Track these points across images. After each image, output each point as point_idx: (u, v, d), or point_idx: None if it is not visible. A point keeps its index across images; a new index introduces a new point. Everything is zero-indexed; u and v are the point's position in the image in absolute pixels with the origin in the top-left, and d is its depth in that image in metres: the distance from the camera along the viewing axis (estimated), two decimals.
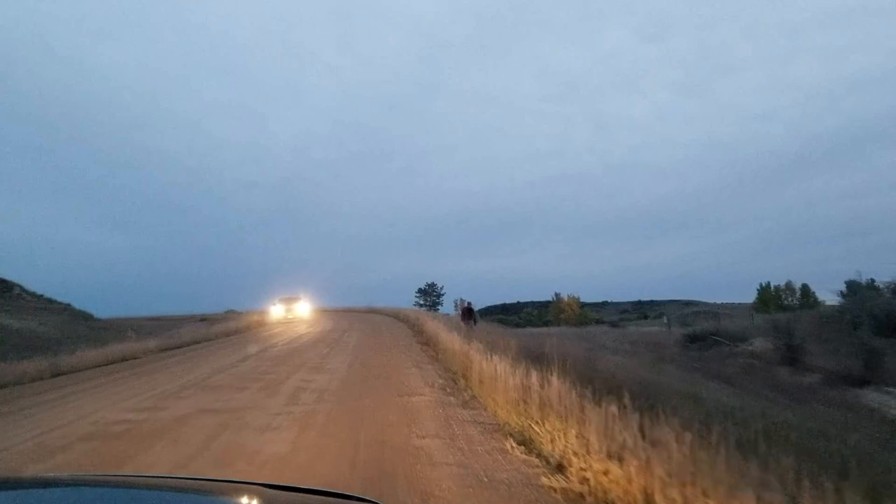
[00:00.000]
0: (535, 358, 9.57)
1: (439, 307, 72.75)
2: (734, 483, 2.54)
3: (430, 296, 71.69)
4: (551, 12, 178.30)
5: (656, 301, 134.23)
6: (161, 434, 4.93)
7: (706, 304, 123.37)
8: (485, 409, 5.78)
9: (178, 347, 14.85)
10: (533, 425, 4.55)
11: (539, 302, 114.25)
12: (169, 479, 1.96)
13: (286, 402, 6.19)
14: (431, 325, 13.55)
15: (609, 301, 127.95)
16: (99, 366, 11.01)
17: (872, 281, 60.06)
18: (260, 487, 1.36)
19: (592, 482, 3.23)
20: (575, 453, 3.63)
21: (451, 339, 9.61)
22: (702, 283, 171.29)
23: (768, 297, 72.23)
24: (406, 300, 72.48)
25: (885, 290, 22.08)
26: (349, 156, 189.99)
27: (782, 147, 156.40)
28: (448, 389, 6.89)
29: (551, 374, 5.12)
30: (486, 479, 3.49)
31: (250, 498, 1.28)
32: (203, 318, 33.11)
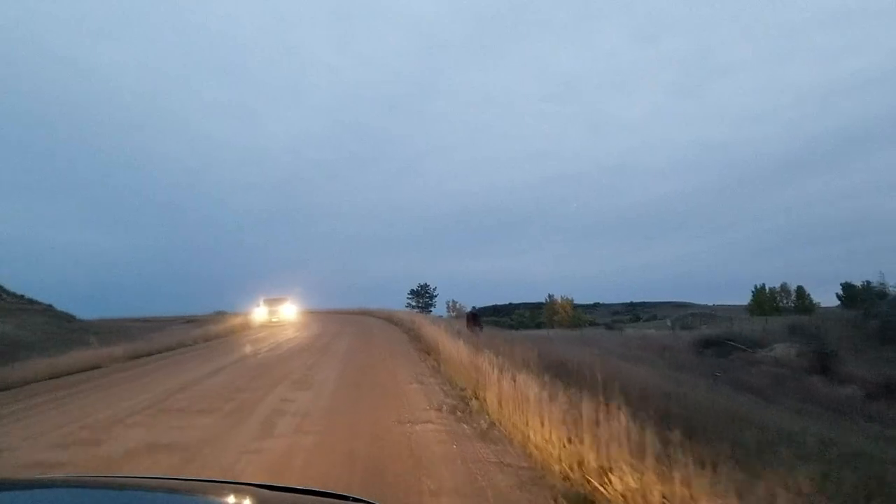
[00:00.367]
0: (558, 370, 8.35)
1: (432, 309, 71.49)
2: None
3: (422, 297, 70.40)
4: (550, 13, 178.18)
5: (648, 303, 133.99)
6: None
7: (699, 305, 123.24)
8: (511, 444, 4.54)
9: (148, 355, 13.43)
10: (591, 477, 3.32)
11: (531, 303, 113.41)
12: (165, 480, 1.90)
13: (258, 435, 4.90)
14: (430, 330, 12.30)
15: (601, 303, 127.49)
16: (52, 377, 9.60)
17: (868, 283, 59.53)
18: (256, 488, 1.36)
19: None
20: None
21: (457, 349, 8.36)
22: (694, 285, 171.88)
23: (763, 300, 71.85)
24: (398, 302, 71.11)
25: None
26: (345, 156, 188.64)
27: (778, 148, 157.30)
28: (459, 413, 5.64)
29: (600, 399, 3.93)
30: None
31: (246, 499, 1.29)
32: (190, 320, 31.63)
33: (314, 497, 1.31)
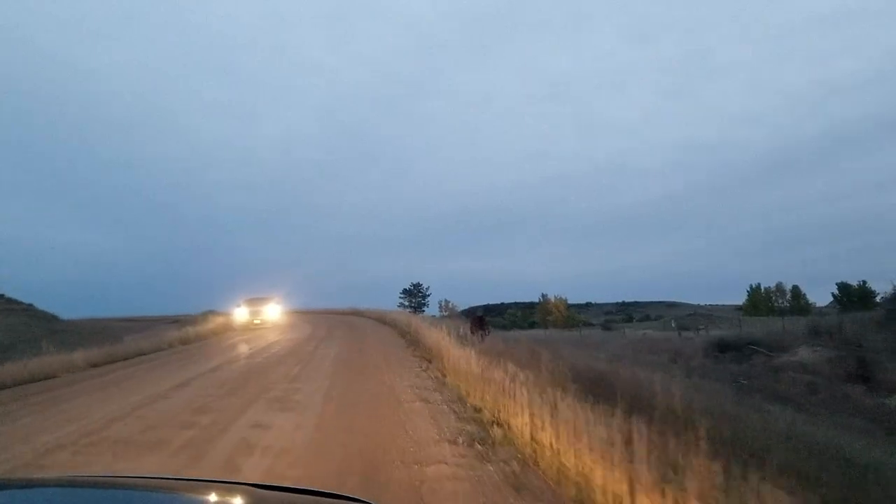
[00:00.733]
0: (593, 384, 7.12)
1: (425, 308, 70.16)
2: None
3: (415, 297, 69.03)
4: (544, 14, 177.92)
5: (640, 302, 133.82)
6: None
7: (691, 305, 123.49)
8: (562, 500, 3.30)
9: (114, 361, 12.03)
10: None
11: (523, 303, 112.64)
12: (163, 480, 1.82)
13: None
14: (430, 334, 11.02)
15: (592, 302, 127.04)
16: None
17: (864, 283, 59.04)
18: (252, 488, 1.34)
19: None
20: None
21: (466, 358, 7.11)
22: (684, 285, 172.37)
23: (758, 300, 71.42)
24: (390, 301, 69.68)
25: None
26: (338, 156, 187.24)
27: (769, 149, 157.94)
28: (480, 446, 4.39)
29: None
30: None
31: (243, 498, 1.28)
32: (176, 320, 30.16)
33: (312, 497, 1.30)
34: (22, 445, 4.81)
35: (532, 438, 4.22)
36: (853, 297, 61.04)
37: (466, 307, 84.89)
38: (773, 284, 72.41)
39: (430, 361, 9.41)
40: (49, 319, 30.00)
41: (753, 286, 71.57)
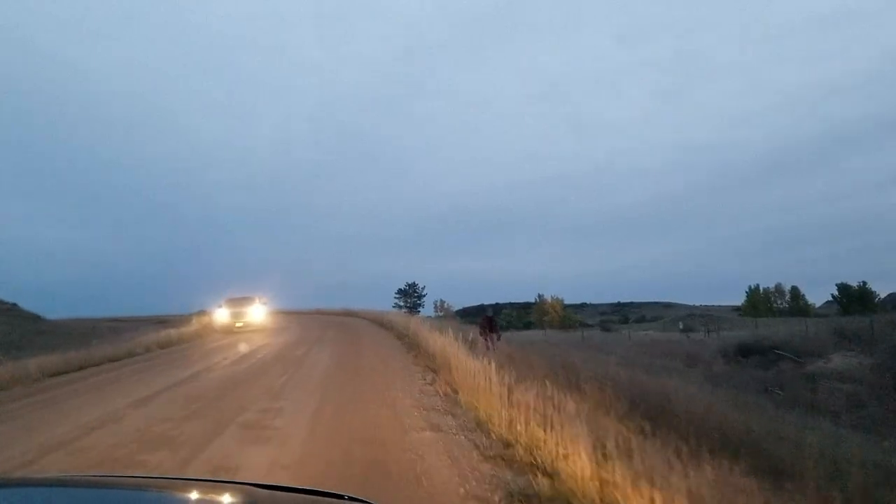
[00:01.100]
0: (642, 402, 5.92)
1: (420, 309, 68.88)
2: None
3: (410, 297, 67.74)
4: (542, 15, 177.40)
5: (636, 303, 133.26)
6: None
7: (686, 306, 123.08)
8: None
9: (79, 369, 10.70)
10: None
11: (518, 303, 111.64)
12: (163, 480, 1.91)
13: None
14: (434, 339, 9.78)
15: (587, 303, 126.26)
16: None
17: (864, 284, 58.40)
18: (253, 488, 1.34)
19: None
20: None
21: (484, 373, 5.88)
22: (680, 286, 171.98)
23: (757, 300, 70.74)
24: (385, 301, 68.40)
25: None
26: (333, 156, 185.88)
27: (762, 151, 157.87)
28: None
29: None
30: None
31: (244, 498, 1.28)
32: (163, 321, 28.76)
33: (312, 496, 1.30)
34: None
35: (602, 499, 2.99)
36: (853, 298, 60.56)
37: (461, 307, 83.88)
38: (770, 285, 71.83)
39: (435, 372, 8.16)
40: (33, 320, 28.56)
41: (752, 287, 70.95)
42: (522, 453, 4.05)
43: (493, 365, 6.01)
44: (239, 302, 20.08)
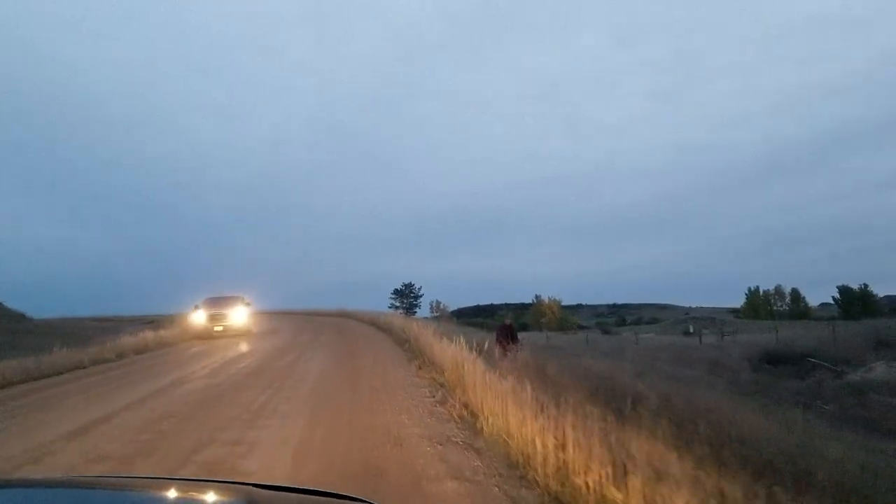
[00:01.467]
0: (721, 444, 4.70)
1: (417, 309, 67.59)
2: None
3: (406, 297, 66.43)
4: (542, 17, 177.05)
5: (632, 305, 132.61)
6: None
7: (682, 307, 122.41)
8: None
9: (36, 379, 9.38)
10: None
11: (514, 304, 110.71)
12: (161, 481, 1.83)
13: None
14: (443, 350, 8.53)
15: (583, 304, 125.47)
16: None
17: (866, 286, 57.63)
18: (252, 488, 1.35)
19: None
20: None
21: (515, 396, 4.65)
22: (676, 287, 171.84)
23: (757, 302, 69.92)
24: (380, 301, 67.12)
25: None
26: (329, 156, 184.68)
27: (760, 151, 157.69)
28: None
29: None
30: None
31: (243, 498, 1.29)
32: (152, 321, 27.38)
33: (314, 497, 1.30)
34: None
35: None
36: (854, 300, 59.85)
37: (456, 308, 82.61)
38: (766, 286, 70.98)
39: (445, 389, 6.92)
40: (16, 319, 27.24)
41: (752, 289, 70.08)
42: None
43: (527, 388, 4.79)
44: (219, 303, 17.90)
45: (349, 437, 4.74)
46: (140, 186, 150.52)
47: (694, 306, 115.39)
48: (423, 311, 71.39)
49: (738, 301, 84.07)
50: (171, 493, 1.34)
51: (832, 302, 63.13)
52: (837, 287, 61.17)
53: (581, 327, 79.68)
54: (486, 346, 8.02)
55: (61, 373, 10.00)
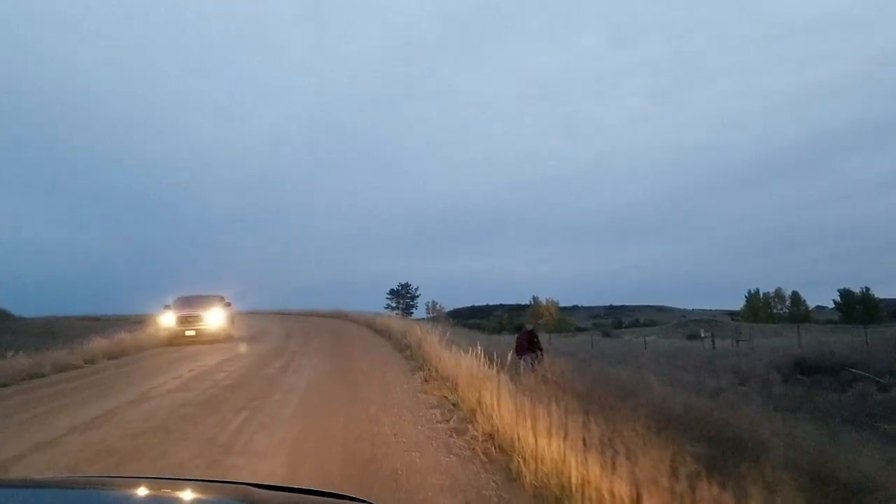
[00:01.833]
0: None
1: (413, 310, 66.30)
2: None
3: (403, 298, 65.15)
4: (540, 18, 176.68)
5: (628, 306, 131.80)
6: None
7: (679, 310, 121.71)
8: None
9: None
10: None
11: (509, 305, 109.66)
12: (161, 481, 1.86)
13: None
14: (459, 362, 7.32)
15: (580, 305, 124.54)
16: None
17: (867, 290, 56.76)
18: (251, 488, 1.35)
19: None
20: None
21: (549, 430, 3.45)
22: (672, 289, 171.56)
23: (757, 305, 69.09)
24: (376, 302, 65.81)
25: None
26: (324, 156, 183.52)
27: (753, 154, 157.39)
28: None
29: None
30: None
31: (242, 498, 1.29)
32: (140, 320, 26.00)
33: (313, 496, 1.30)
34: None
35: None
36: (855, 303, 59.06)
37: (452, 309, 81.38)
38: (764, 288, 70.19)
39: (458, 408, 5.71)
40: (2, 318, 26.04)
41: (752, 291, 69.25)
42: None
43: (577, 417, 3.58)
44: (192, 303, 15.53)
45: (343, 487, 3.51)
46: (140, 186, 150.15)
47: (691, 308, 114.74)
48: (420, 311, 70.16)
49: (735, 303, 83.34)
50: (170, 493, 1.41)
51: (832, 305, 62.44)
52: (838, 290, 60.41)
53: (579, 329, 78.59)
54: (495, 355, 6.78)
55: (9, 384, 8.68)
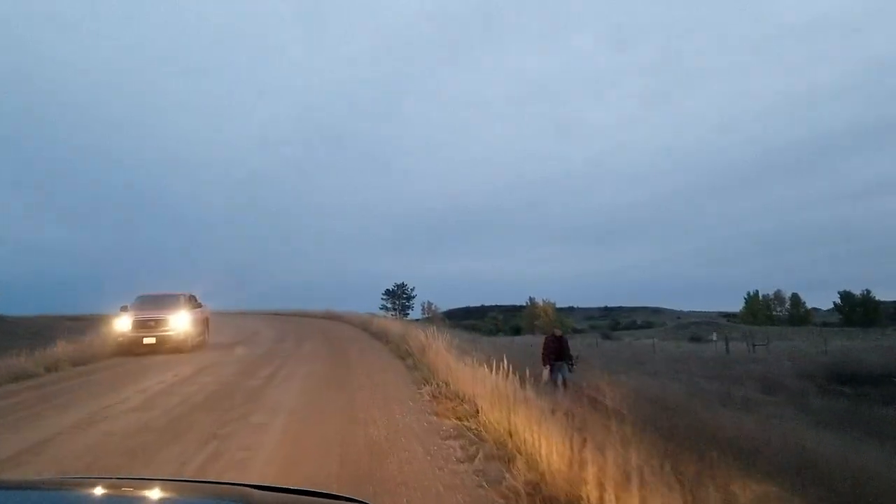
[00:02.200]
0: None
1: (409, 311, 65.04)
2: None
3: (398, 298, 63.87)
4: (539, 18, 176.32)
5: (624, 308, 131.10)
6: None
7: (675, 311, 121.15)
8: None
9: None
10: None
11: (504, 306, 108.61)
12: (157, 481, 1.79)
13: None
14: (466, 372, 6.13)
15: (575, 306, 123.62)
16: None
17: (868, 292, 56.05)
18: (248, 489, 1.35)
19: None
20: None
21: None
22: (666, 290, 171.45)
23: (757, 307, 68.36)
24: (370, 302, 64.55)
25: None
26: (315, 156, 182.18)
27: (746, 156, 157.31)
28: None
29: None
30: None
31: (240, 499, 1.29)
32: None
33: (308, 497, 1.30)
34: None
35: None
36: (856, 306, 58.44)
37: (446, 310, 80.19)
38: (760, 290, 69.45)
39: (483, 440, 4.53)
40: None
41: (751, 293, 68.48)
42: None
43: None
44: (154, 303, 12.88)
45: None
46: (139, 186, 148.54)
47: (686, 310, 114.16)
48: (415, 312, 68.95)
49: (729, 305, 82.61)
50: (167, 494, 1.39)
51: (828, 307, 61.87)
52: (839, 293, 59.80)
53: (575, 331, 77.65)
54: (504, 359, 5.59)
55: None
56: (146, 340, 12.13)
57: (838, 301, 59.26)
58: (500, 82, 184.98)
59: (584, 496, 2.94)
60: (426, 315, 69.70)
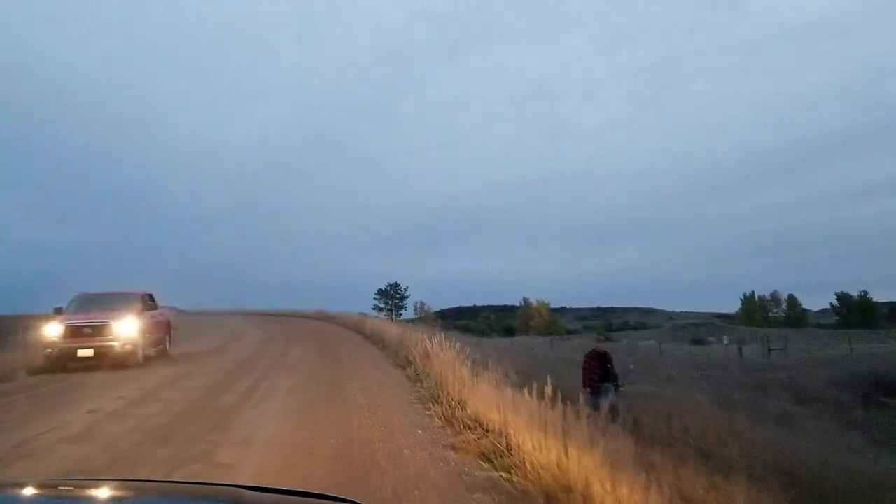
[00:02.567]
0: None
1: (402, 311, 63.75)
2: None
3: (391, 298, 62.57)
4: (539, 19, 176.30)
5: (617, 308, 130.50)
6: None
7: (667, 312, 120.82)
8: None
9: None
10: None
11: (496, 306, 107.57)
12: (154, 483, 1.89)
13: None
14: (485, 393, 4.91)
15: (567, 307, 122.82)
16: None
17: (865, 293, 55.64)
18: (240, 490, 1.32)
19: None
20: None
21: None
22: (659, 291, 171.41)
23: (753, 309, 67.85)
24: (362, 302, 63.08)
25: None
26: (310, 155, 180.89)
27: (737, 159, 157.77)
28: None
29: None
30: None
31: (231, 500, 1.27)
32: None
33: (301, 498, 1.27)
34: None
35: None
36: (853, 307, 58.02)
37: (438, 310, 78.96)
38: (755, 290, 69.04)
39: (528, 494, 3.31)
40: None
41: (748, 294, 67.97)
42: None
43: None
44: (96, 304, 10.37)
45: None
46: (139, 186, 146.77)
47: (678, 311, 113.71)
48: (408, 312, 67.70)
49: (722, 306, 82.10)
50: (161, 496, 1.37)
51: (822, 308, 61.55)
52: (836, 294, 59.44)
53: (569, 331, 76.76)
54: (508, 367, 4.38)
55: None
56: (81, 353, 9.46)
57: (834, 302, 58.78)
58: (500, 82, 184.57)
59: None
60: (419, 315, 68.56)
